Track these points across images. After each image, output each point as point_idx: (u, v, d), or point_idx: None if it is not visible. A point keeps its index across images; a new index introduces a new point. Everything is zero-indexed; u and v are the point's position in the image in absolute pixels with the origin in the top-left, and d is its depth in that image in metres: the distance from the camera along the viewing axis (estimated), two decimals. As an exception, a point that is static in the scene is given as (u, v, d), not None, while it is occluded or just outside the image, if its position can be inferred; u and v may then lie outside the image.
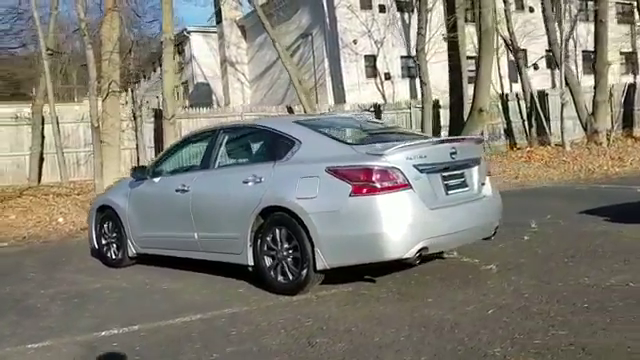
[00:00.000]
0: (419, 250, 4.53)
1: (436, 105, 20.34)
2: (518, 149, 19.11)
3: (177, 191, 5.94)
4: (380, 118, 19.70)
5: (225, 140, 5.83)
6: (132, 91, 16.55)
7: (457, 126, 17.94)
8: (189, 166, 6.24)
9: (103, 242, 7.05)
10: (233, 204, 5.32)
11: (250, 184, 5.18)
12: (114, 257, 6.89)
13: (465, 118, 17.12)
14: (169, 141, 15.88)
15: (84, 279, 6.47)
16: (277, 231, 4.96)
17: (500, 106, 20.68)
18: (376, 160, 4.55)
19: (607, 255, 5.56)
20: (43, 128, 15.31)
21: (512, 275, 5.08)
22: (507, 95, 21.33)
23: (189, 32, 40.58)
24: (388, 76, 27.49)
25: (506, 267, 5.39)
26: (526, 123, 19.50)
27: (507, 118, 20.55)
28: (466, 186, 5.07)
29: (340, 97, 26.08)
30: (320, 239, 4.65)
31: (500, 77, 25.34)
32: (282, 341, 3.81)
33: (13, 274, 7.11)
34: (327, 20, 26.86)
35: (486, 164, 5.55)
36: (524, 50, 28.57)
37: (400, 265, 5.09)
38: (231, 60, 34.02)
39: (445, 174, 4.89)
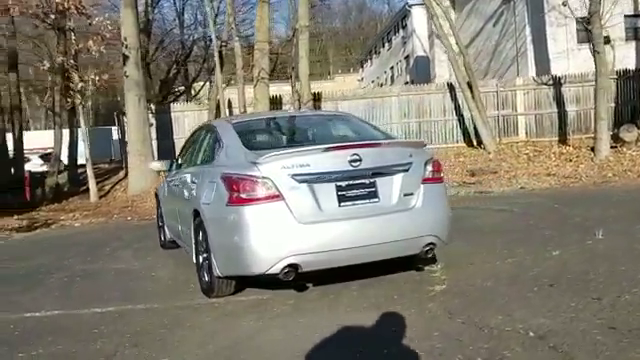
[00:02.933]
0: (287, 267, 4.20)
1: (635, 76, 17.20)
2: None
3: (175, 185, 6.40)
4: (559, 92, 17.38)
5: (203, 138, 6.05)
6: (291, 77, 17.38)
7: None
8: (187, 162, 6.60)
9: (160, 224, 7.89)
10: (185, 202, 5.56)
11: (193, 185, 5.35)
12: (161, 239, 7.68)
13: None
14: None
15: (124, 258, 7.39)
16: (200, 233, 5.06)
17: None
18: (249, 169, 4.33)
19: (592, 288, 4.40)
20: (218, 112, 17.13)
21: (434, 303, 4.37)
22: None
23: (410, 6, 40.53)
24: (607, 40, 23.79)
25: (450, 292, 4.64)
26: None
27: None
28: (375, 197, 4.47)
29: (544, 67, 23.46)
30: (212, 245, 4.63)
31: None
32: (111, 346, 3.97)
33: (96, 248, 8.42)
34: (531, -18, 24.29)
35: (431, 169, 4.76)
36: None
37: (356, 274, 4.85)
38: (437, 32, 33.01)
39: (342, 184, 4.40)
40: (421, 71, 38.21)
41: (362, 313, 4.23)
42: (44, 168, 19.68)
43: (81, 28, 16.24)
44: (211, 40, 30.85)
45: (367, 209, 4.43)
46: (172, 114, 18.13)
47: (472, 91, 15.81)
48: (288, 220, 4.21)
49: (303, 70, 13.95)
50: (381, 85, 45.21)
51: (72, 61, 14.86)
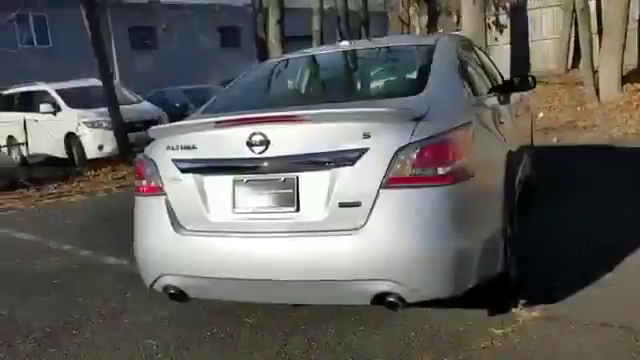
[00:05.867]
0: (168, 287, 2.90)
1: None
2: None
3: None
4: None
5: None
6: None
7: None
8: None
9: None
10: None
11: None
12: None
13: None
14: None
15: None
16: None
17: None
18: (150, 147, 3.07)
19: None
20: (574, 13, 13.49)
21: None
22: None
23: None
24: None
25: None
26: None
27: None
28: (291, 204, 2.62)
29: None
30: None
31: None
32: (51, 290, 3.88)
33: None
34: None
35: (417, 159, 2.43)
36: None
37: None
38: None
39: (242, 178, 2.71)
40: None
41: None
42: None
43: None
44: None
45: (276, 222, 2.66)
46: (528, 12, 15.41)
47: None
48: (166, 224, 2.85)
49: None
50: None
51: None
